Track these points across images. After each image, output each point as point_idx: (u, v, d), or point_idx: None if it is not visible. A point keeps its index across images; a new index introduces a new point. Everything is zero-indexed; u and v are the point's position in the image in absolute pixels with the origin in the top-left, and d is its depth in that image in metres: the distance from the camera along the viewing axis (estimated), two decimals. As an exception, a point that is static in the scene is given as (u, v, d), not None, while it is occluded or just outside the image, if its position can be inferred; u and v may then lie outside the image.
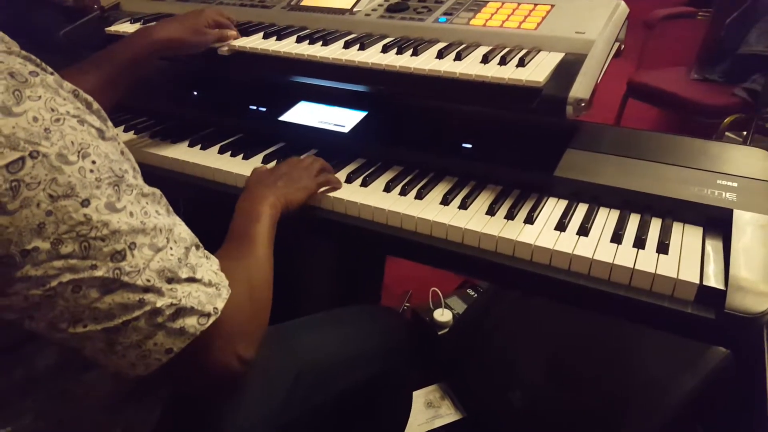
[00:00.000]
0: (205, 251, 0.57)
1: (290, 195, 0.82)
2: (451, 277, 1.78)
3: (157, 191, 0.54)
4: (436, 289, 1.63)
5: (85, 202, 0.45)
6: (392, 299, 1.81)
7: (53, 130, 0.44)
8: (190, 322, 0.51)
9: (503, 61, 0.85)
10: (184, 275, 0.51)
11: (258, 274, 0.65)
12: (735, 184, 0.81)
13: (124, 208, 0.48)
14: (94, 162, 0.46)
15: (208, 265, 0.55)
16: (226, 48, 1.03)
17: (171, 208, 0.55)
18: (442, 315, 1.54)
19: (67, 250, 0.44)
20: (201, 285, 0.52)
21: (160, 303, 0.49)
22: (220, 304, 0.53)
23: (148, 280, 0.48)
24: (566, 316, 1.20)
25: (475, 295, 1.64)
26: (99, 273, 0.46)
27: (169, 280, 0.50)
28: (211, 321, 0.52)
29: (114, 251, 0.46)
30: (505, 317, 1.35)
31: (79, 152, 0.45)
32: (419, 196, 0.87)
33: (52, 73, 0.48)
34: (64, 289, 0.45)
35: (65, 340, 0.48)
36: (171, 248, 0.51)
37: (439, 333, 1.52)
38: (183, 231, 0.54)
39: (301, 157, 0.95)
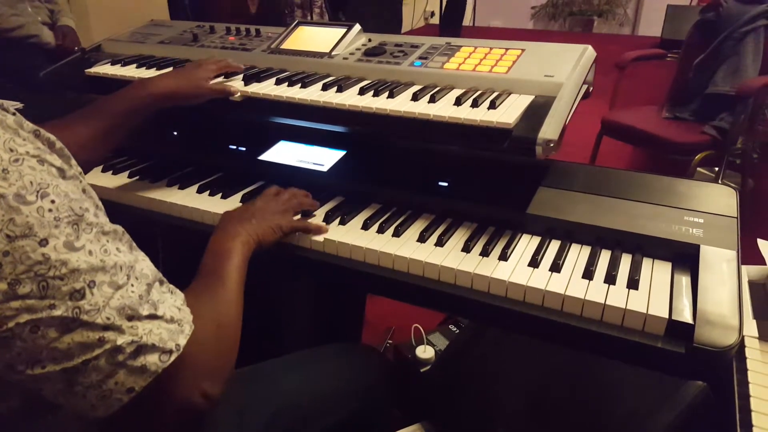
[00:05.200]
0: (170, 286, 0.57)
1: (263, 233, 0.81)
2: (433, 313, 1.76)
3: (119, 228, 0.54)
4: (418, 326, 1.62)
5: (44, 242, 0.45)
6: (375, 336, 1.80)
7: (11, 171, 0.45)
8: (152, 360, 0.50)
9: (475, 104, 0.88)
10: (145, 312, 0.51)
11: (226, 311, 0.65)
12: (701, 221, 0.83)
13: (83, 246, 0.48)
14: (53, 201, 0.46)
15: (171, 301, 0.54)
16: (239, 95, 1.02)
17: (134, 244, 0.55)
18: (424, 352, 1.53)
19: (24, 290, 0.44)
20: (162, 321, 0.52)
21: (121, 341, 0.48)
22: (183, 341, 0.53)
23: (108, 318, 0.48)
24: (547, 351, 1.21)
25: (457, 330, 1.63)
26: (58, 312, 0.45)
27: (130, 318, 0.49)
28: (173, 358, 0.51)
29: (73, 290, 0.46)
30: (486, 353, 1.34)
31: (37, 192, 0.46)
32: (396, 233, 0.89)
33: (13, 114, 0.49)
34: (21, 330, 0.45)
35: (23, 381, 0.48)
36: (132, 285, 0.51)
37: (422, 370, 1.50)
38: (146, 267, 0.54)
39: (279, 189, 0.93)
